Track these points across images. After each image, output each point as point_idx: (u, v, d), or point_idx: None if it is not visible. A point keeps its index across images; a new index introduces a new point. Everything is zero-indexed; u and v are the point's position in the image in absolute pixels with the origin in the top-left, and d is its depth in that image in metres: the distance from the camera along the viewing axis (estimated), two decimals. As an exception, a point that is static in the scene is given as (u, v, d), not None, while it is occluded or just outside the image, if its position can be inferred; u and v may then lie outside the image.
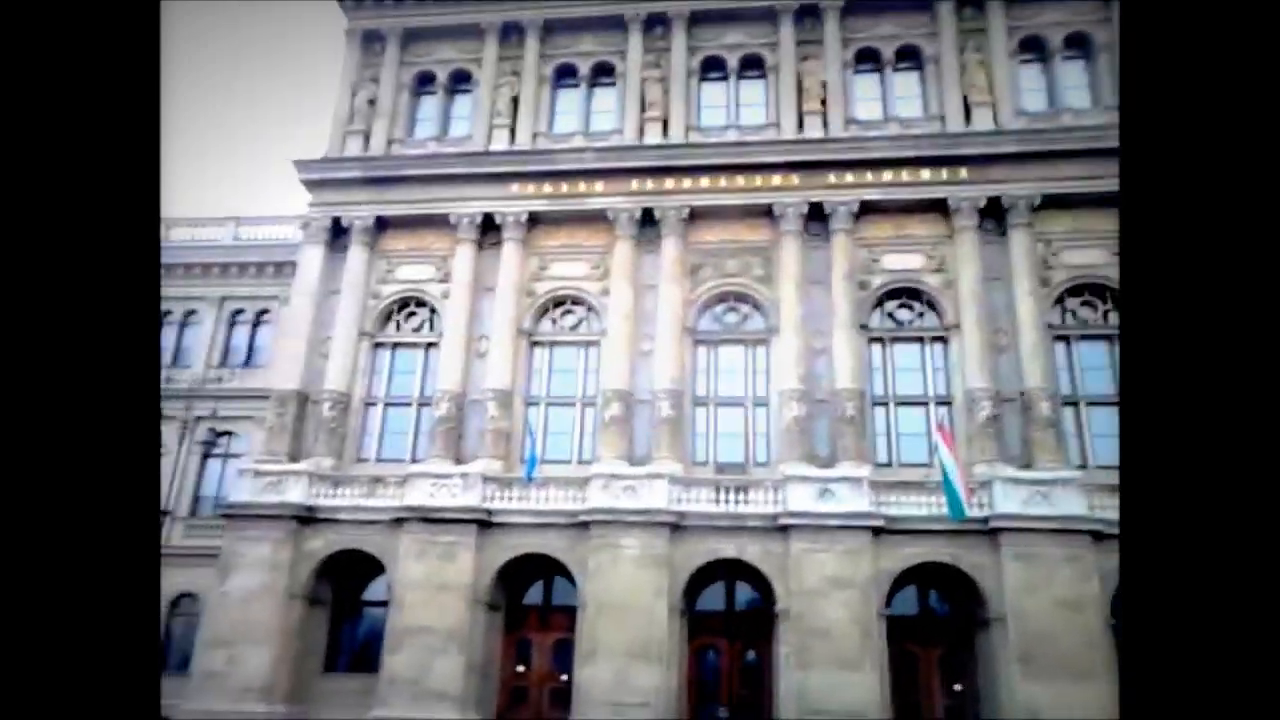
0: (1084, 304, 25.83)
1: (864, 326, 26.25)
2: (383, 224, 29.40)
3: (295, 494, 24.84)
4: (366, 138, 30.56)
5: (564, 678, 23.61)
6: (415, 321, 29.04)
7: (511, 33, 31.29)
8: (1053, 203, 25.90)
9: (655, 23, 30.45)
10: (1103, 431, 24.50)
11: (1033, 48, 28.58)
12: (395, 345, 28.86)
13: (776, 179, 27.49)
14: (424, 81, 31.78)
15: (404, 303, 29.09)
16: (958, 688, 23.17)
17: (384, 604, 24.47)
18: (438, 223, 29.06)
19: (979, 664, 22.75)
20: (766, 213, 27.46)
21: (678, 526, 23.25)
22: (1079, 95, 27.63)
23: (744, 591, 24.60)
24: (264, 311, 34.32)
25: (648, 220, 27.94)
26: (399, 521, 24.32)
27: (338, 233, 29.49)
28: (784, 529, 22.75)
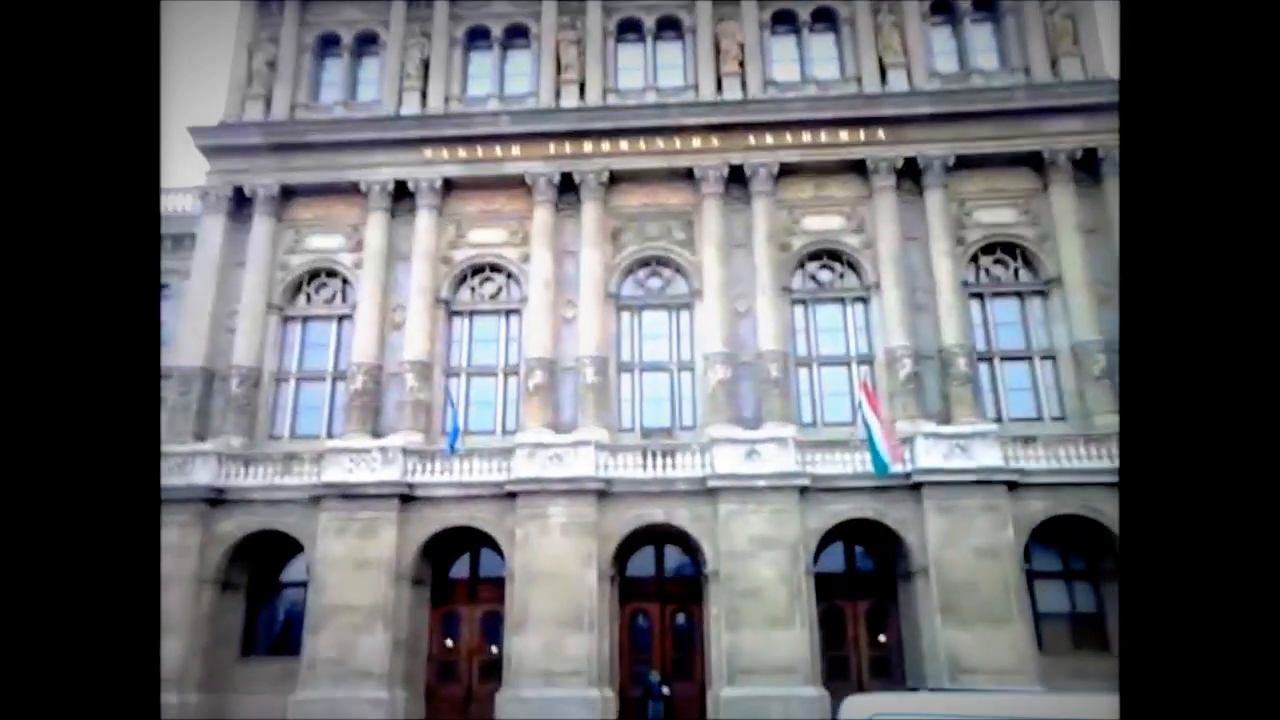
0: (996, 262, 26.44)
1: (786, 289, 26.34)
2: (289, 193, 28.09)
3: (203, 475, 23.66)
4: (268, 102, 29.10)
5: (494, 650, 23.23)
6: (327, 293, 27.91)
7: (420, -8, 30.11)
8: (965, 163, 26.37)
9: (570, -17, 29.70)
10: (1016, 385, 25.24)
11: (943, 10, 28.94)
12: (306, 318, 27.71)
13: (696, 141, 27.26)
14: (328, 43, 30.39)
15: (314, 274, 27.93)
16: (882, 639, 23.66)
17: (303, 584, 23.61)
18: (347, 190, 27.92)
19: (903, 615, 23.26)
20: (687, 175, 27.22)
21: (605, 493, 23.00)
22: (988, 57, 28.14)
23: (674, 556, 24.58)
24: (163, 287, 32.47)
25: (567, 185, 27.40)
26: (316, 499, 23.41)
27: (240, 203, 28.07)
28: (712, 491, 22.73)
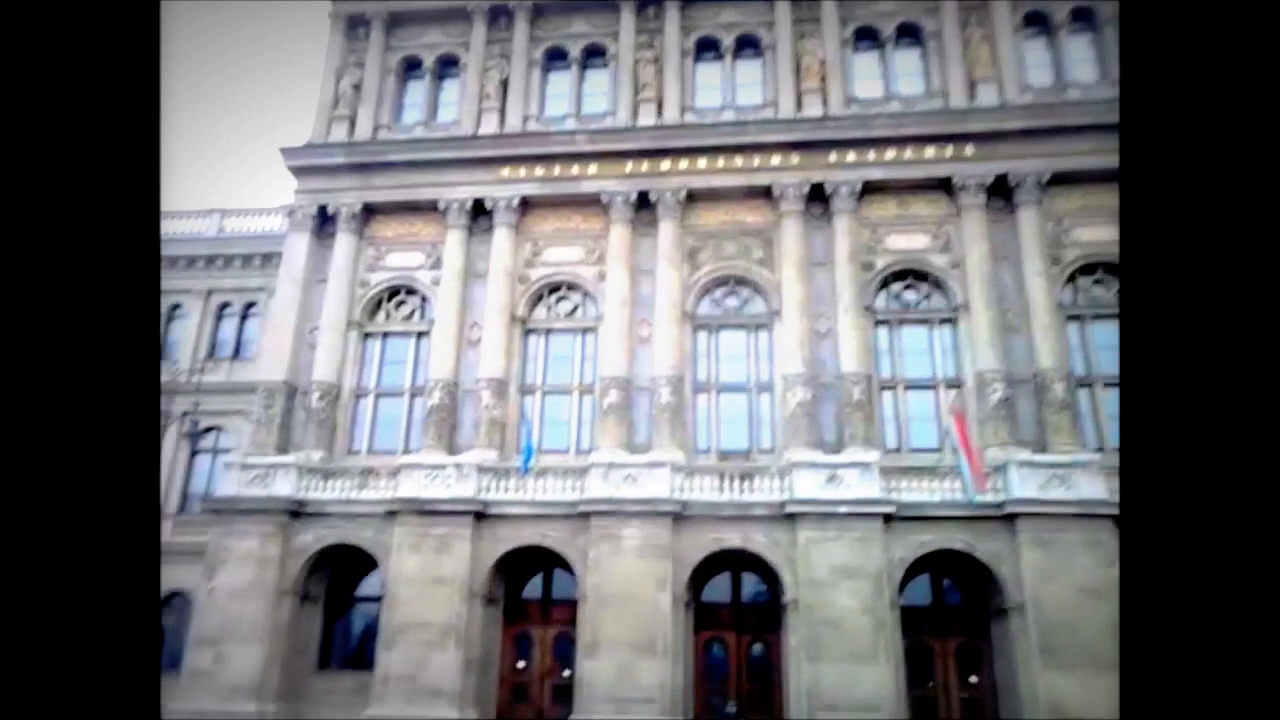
0: (1096, 283, 25.11)
1: (869, 308, 25.49)
2: (370, 211, 28.53)
3: (284, 487, 23.93)
4: (352, 123, 29.70)
5: (566, 673, 22.75)
6: (405, 310, 28.15)
7: (500, 16, 30.48)
8: (1062, 179, 25.20)
9: (647, 2, 29.66)
10: (1119, 413, 23.76)
11: (1037, 22, 27.87)
12: (385, 334, 27.96)
13: (775, 159, 26.72)
14: (410, 66, 30.93)
15: (393, 291, 28.21)
16: (974, 680, 22.38)
17: (378, 599, 23.55)
18: (426, 209, 28.21)
19: (997, 655, 21.99)
20: (766, 194, 26.69)
21: (680, 516, 22.42)
22: (1085, 69, 26.95)
23: (751, 582, 23.80)
24: (251, 304, 33.38)
25: (643, 203, 27.15)
26: (392, 514, 23.43)
27: (324, 220, 28.63)
28: (791, 517, 21.95)
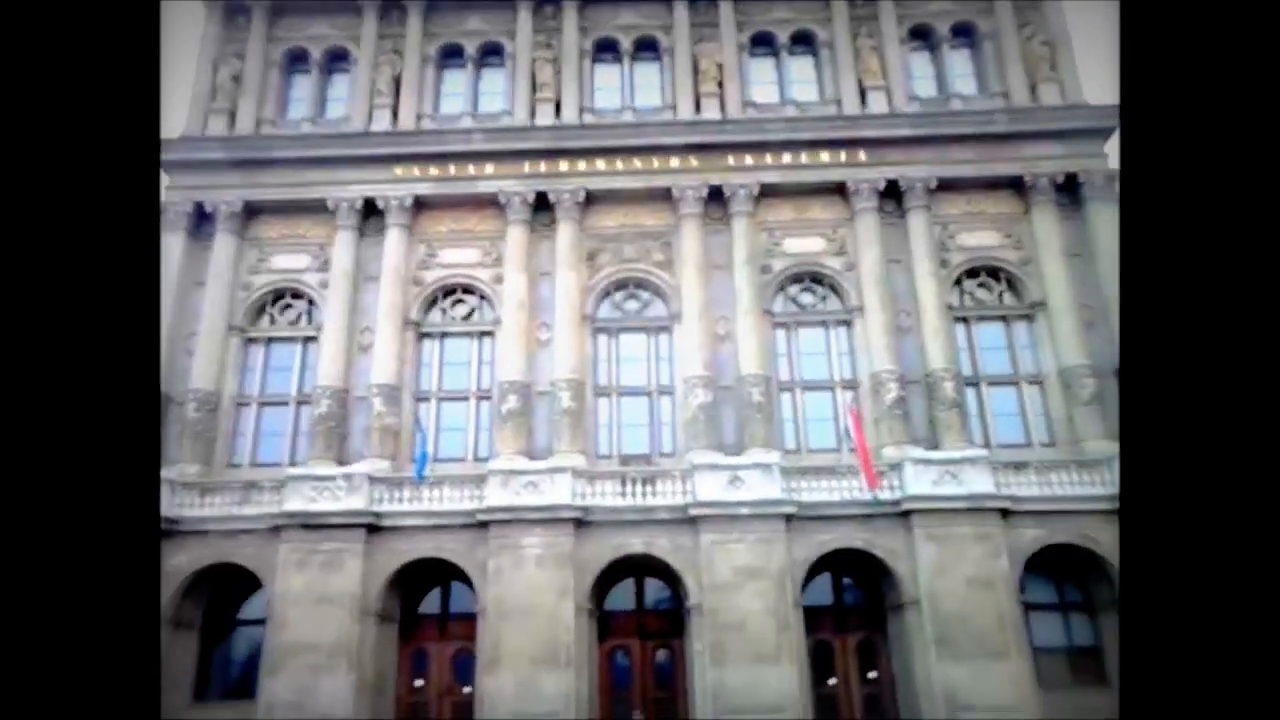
0: (980, 285, 26.05)
1: (768, 311, 25.71)
2: (253, 210, 27.00)
3: (155, 505, 22.23)
4: (232, 117, 28.10)
5: (466, 690, 21.94)
6: (291, 314, 26.75)
7: (392, 10, 29.50)
8: (947, 186, 26.08)
9: (545, 1, 29.21)
10: (1003, 411, 24.73)
11: (922, 35, 28.83)
12: (270, 340, 26.49)
13: (675, 161, 26.69)
14: (296, 59, 29.53)
15: (279, 294, 26.78)
16: (873, 675, 22.74)
17: (262, 622, 22.14)
18: (314, 208, 26.90)
19: (894, 649, 22.39)
20: (665, 196, 26.60)
21: (582, 522, 21.97)
22: (966, 82, 28.02)
23: (654, 588, 23.54)
24: (118, 310, 31.10)
25: (542, 205, 26.65)
26: (276, 530, 22.09)
27: (201, 220, 26.93)
28: (694, 520, 21.80)
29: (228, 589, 23.28)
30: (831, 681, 22.40)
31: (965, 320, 25.72)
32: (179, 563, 22.18)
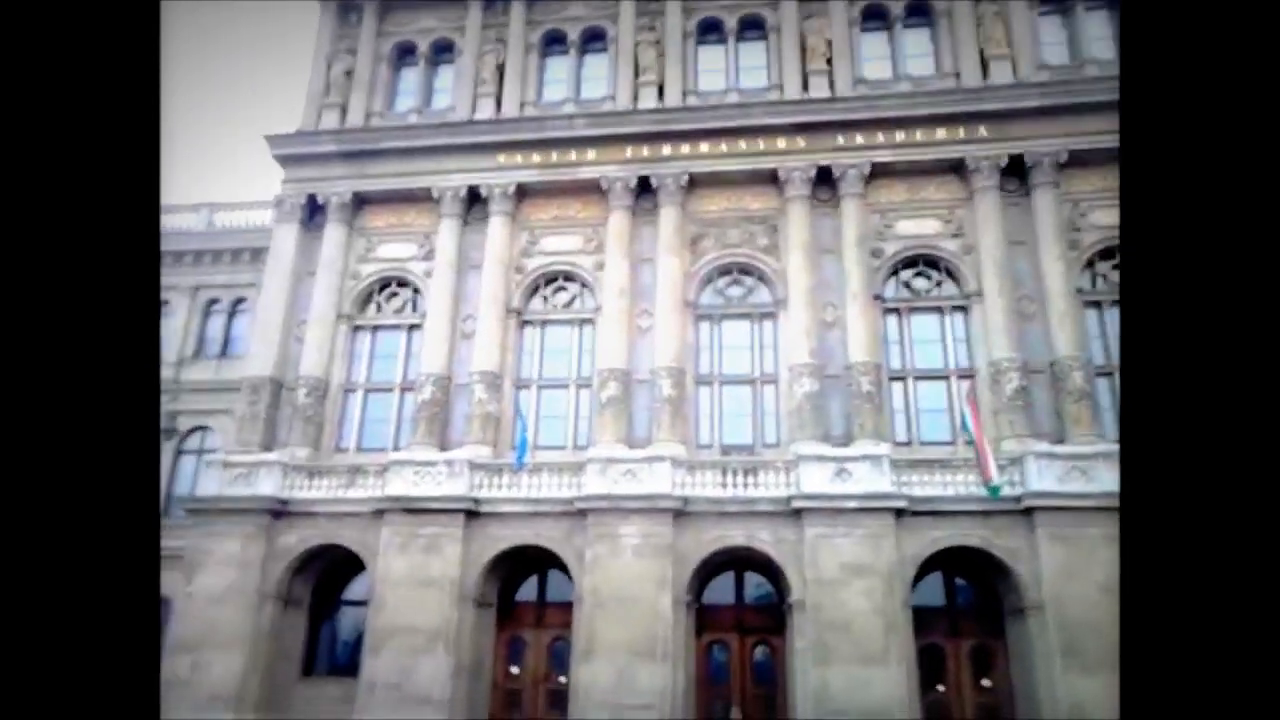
0: (1115, 267, 23.95)
1: (878, 297, 24.40)
2: (361, 200, 27.59)
3: (267, 486, 22.95)
4: (344, 111, 28.79)
5: (561, 679, 21.71)
6: (397, 302, 27.19)
7: (495, 0, 29.55)
8: (1079, 160, 24.08)
9: (648, -16, 28.68)
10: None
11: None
12: (376, 328, 26.99)
13: (781, 142, 25.69)
14: (404, 53, 30.03)
15: (385, 283, 27.25)
16: (988, 683, 21.25)
17: (365, 603, 22.54)
18: (420, 198, 27.26)
19: (1013, 657, 20.87)
20: (771, 179, 25.65)
21: (682, 513, 21.37)
22: (1103, 46, 25.79)
23: (755, 582, 22.74)
24: (240, 300, 32.54)
25: (644, 190, 26.15)
26: (379, 513, 22.44)
27: (313, 211, 27.70)
28: (797, 513, 20.87)
29: (335, 570, 23.84)
30: (942, 688, 21.03)
31: (1097, 305, 23.71)
32: (288, 542, 22.82)
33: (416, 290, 26.97)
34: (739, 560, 22.21)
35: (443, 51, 29.82)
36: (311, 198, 27.50)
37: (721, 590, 22.73)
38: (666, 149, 26.19)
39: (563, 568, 22.08)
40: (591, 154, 26.57)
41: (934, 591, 21.93)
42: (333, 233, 27.11)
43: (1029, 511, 20.17)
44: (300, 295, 26.74)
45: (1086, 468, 20.28)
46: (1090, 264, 23.92)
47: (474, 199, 27.00)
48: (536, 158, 26.85)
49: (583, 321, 25.99)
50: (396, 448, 24.58)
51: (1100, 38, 25.91)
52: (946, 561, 21.44)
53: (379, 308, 27.18)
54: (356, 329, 26.86)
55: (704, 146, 26.08)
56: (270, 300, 26.57)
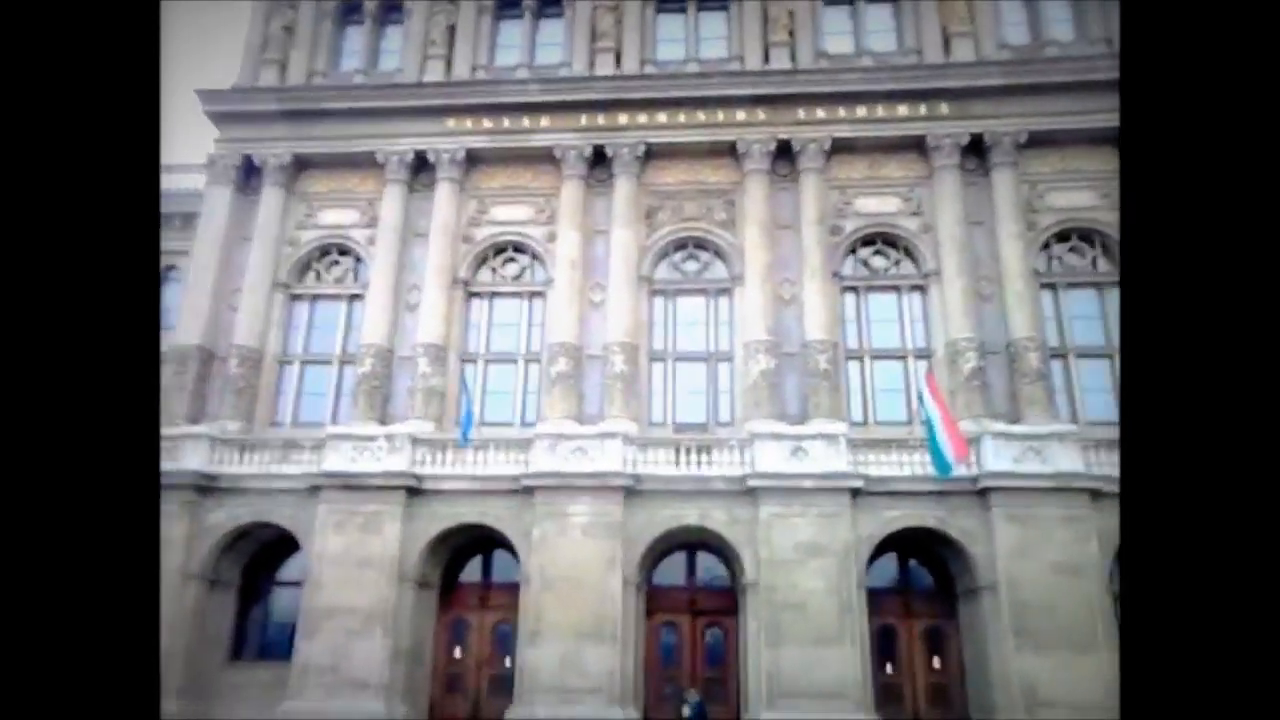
0: (1071, 250, 23.90)
1: (836, 274, 23.97)
2: (301, 163, 26.22)
3: (193, 460, 21.64)
4: (283, 68, 27.34)
5: (506, 662, 20.89)
6: (338, 271, 25.94)
7: (448, -42, 28.30)
8: (1039, 141, 23.93)
9: (607, -52, 27.72)
10: (1093, 385, 22.60)
11: (1014, -21, 26.55)
12: (315, 297, 25.72)
13: (741, 114, 25.04)
14: (350, 10, 28.61)
15: (325, 250, 25.98)
16: (940, 664, 21.05)
17: (300, 584, 21.41)
18: (364, 163, 25.99)
19: (965, 637, 20.69)
20: (730, 151, 25.02)
21: (633, 491, 20.69)
22: (1064, 28, 25.66)
23: (707, 563, 22.21)
24: (170, 268, 30.72)
25: (599, 159, 25.30)
26: (315, 490, 21.32)
27: (250, 173, 26.25)
28: (752, 492, 20.35)
29: (267, 549, 22.69)
30: (894, 669, 20.75)
31: (1053, 287, 23.62)
32: (217, 520, 21.58)
33: (359, 259, 25.75)
34: (691, 541, 21.66)
35: (391, 11, 28.47)
36: (248, 159, 26.05)
37: (673, 571, 22.16)
38: (623, 118, 25.36)
39: (509, 547, 21.26)
40: (545, 121, 25.61)
41: (888, 572, 21.69)
42: (270, 197, 25.72)
43: (984, 492, 19.96)
44: (234, 262, 25.33)
45: (1041, 448, 20.14)
46: (1047, 246, 23.80)
47: (421, 165, 25.84)
48: (487, 123, 25.79)
49: (533, 294, 25.09)
50: (335, 422, 23.44)
51: (1061, 19, 25.77)
52: (901, 543, 21.17)
53: (318, 276, 25.91)
54: (294, 298, 25.56)
55: (662, 117, 25.32)
56: (201, 266, 25.09)
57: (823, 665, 18.85)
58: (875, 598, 20.35)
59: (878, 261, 24.45)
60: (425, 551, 21.01)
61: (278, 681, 20.37)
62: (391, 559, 20.54)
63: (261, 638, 22.57)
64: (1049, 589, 19.00)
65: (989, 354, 22.44)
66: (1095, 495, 19.60)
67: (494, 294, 25.25)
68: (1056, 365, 22.84)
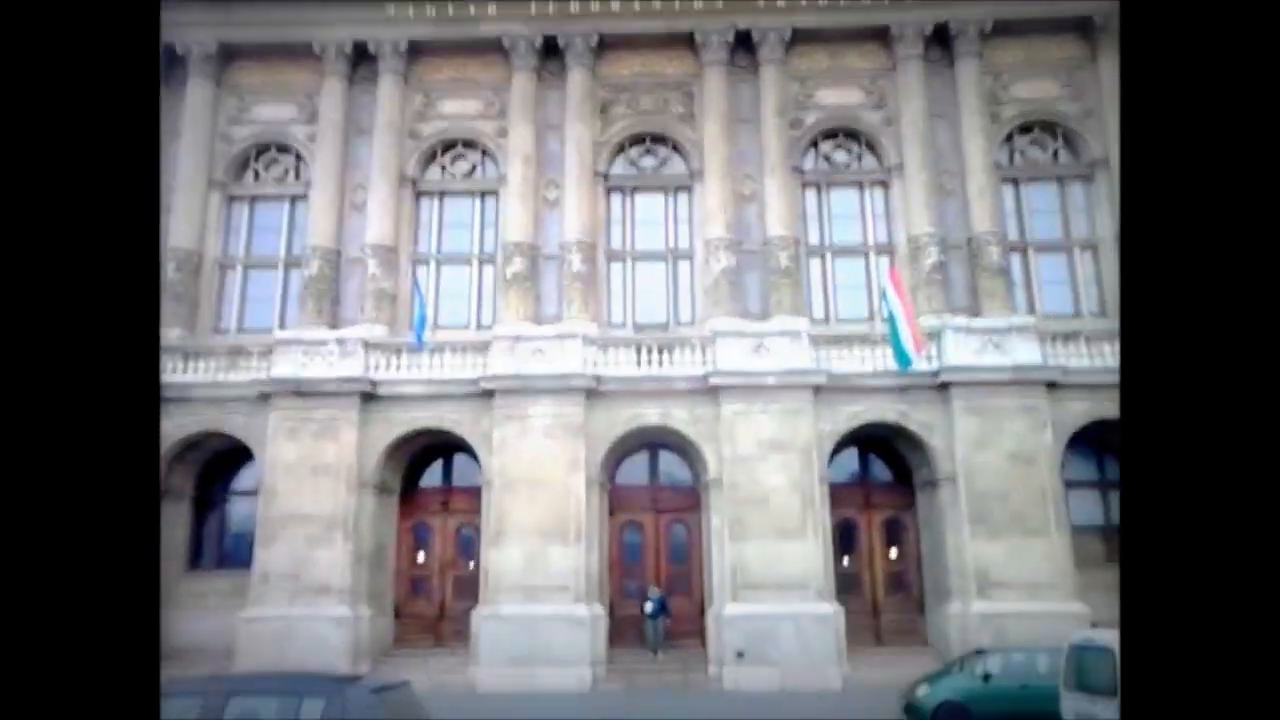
0: (1033, 143, 23.66)
1: (797, 169, 23.47)
2: (229, 53, 24.51)
3: (135, 368, 20.68)
4: (204, -53, 25.20)
5: (470, 564, 20.84)
6: (278, 170, 24.62)
7: None
8: (1003, 29, 23.34)
9: None
10: (1051, 279, 22.78)
11: None
12: (254, 198, 24.46)
13: (698, 3, 23.90)
14: (276, -116, 26.32)
15: (263, 148, 24.58)
16: (897, 554, 21.57)
17: (255, 493, 20.92)
18: (300, 53, 24.35)
19: (923, 527, 21.15)
20: (687, 42, 23.98)
21: (594, 392, 20.41)
22: (1031, -90, 24.76)
23: (669, 462, 22.20)
24: (95, 170, 28.98)
25: (551, 50, 24.07)
26: (265, 397, 20.62)
27: (172, 63, 24.42)
28: (714, 390, 20.21)
29: (219, 459, 22.08)
30: (854, 559, 21.22)
31: (1015, 181, 23.45)
32: (165, 430, 20.72)
33: (299, 157, 24.43)
34: (654, 440, 21.59)
35: (320, -114, 26.28)
36: (169, 49, 24.20)
37: (635, 471, 22.14)
38: (574, 6, 24.02)
39: (469, 451, 20.97)
40: (492, 9, 24.16)
41: (849, 468, 21.95)
42: (197, 89, 24.07)
43: (945, 385, 20.09)
44: (164, 160, 23.75)
45: (1000, 341, 20.24)
46: (1009, 139, 23.53)
47: (361, 56, 24.34)
48: (431, 11, 24.24)
49: (485, 193, 24.17)
50: (283, 327, 22.57)
51: (1029, -100, 24.81)
52: (861, 439, 21.37)
53: (257, 176, 24.57)
54: (232, 199, 24.28)
55: (615, 5, 24.06)
56: (128, 164, 23.54)
57: (785, 558, 19.13)
58: (836, 492, 20.61)
59: (839, 156, 23.96)
60: (383, 457, 20.61)
61: (237, 590, 20.09)
62: (349, 466, 20.11)
63: (219, 547, 22.18)
64: (1004, 477, 19.41)
65: (950, 249, 22.35)
66: (1051, 386, 19.88)
67: (444, 193, 24.26)
68: (1016, 259, 22.87)
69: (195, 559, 21.80)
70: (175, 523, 21.43)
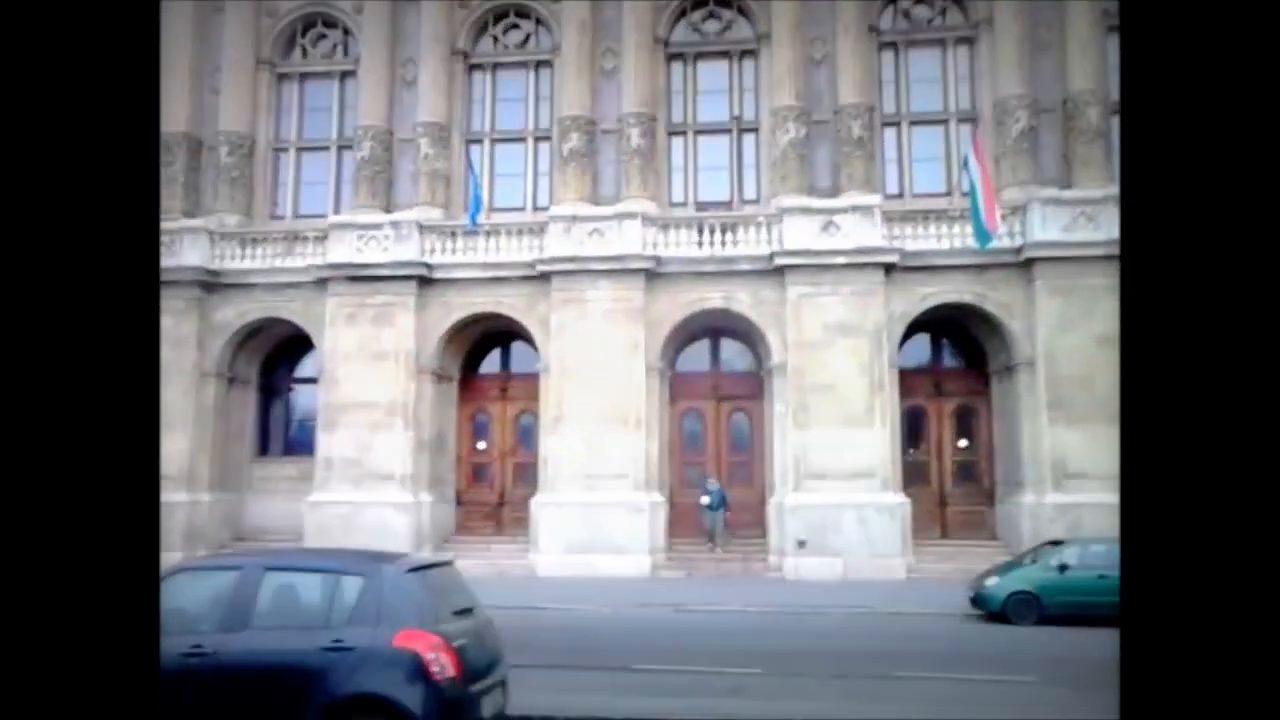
0: (1144, -11, 21.00)
1: (873, 28, 21.46)
2: (270, -81, 23.28)
3: (193, 256, 20.69)
4: None
5: (530, 452, 20.78)
6: (325, 46, 23.73)
7: None
8: None
9: None
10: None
11: None
12: (303, 76, 23.72)
13: None
14: None
15: (310, 22, 23.65)
16: (965, 443, 20.70)
17: (317, 380, 21.07)
18: (341, -83, 22.99)
19: (996, 415, 20.15)
20: (753, -114, 21.72)
21: (654, 274, 19.61)
22: None
23: (731, 348, 21.50)
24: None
25: (605, -100, 22.13)
26: (323, 283, 20.45)
27: (212, -66, 23.38)
28: (779, 271, 19.19)
29: (282, 346, 22.26)
30: (922, 447, 20.44)
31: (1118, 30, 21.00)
32: (225, 318, 20.96)
33: (346, 31, 23.44)
34: (716, 325, 20.81)
35: None
36: (208, -82, 23.12)
37: (696, 358, 21.52)
38: None
39: (526, 338, 20.58)
40: None
41: (919, 353, 20.90)
42: (239, -40, 23.05)
43: (1028, 263, 18.65)
44: (209, 37, 23.14)
45: (1094, 213, 18.57)
46: (1117, -16, 20.92)
47: (405, -82, 22.83)
48: None
49: (539, 63, 22.90)
50: (337, 212, 22.19)
51: None
52: (932, 323, 20.23)
53: (304, 52, 23.73)
54: (281, 77, 23.58)
55: None
56: (173, 42, 22.86)
57: (853, 446, 18.47)
58: (905, 378, 19.68)
59: (920, 12, 21.79)
60: (441, 343, 20.39)
61: (304, 475, 20.53)
62: (407, 352, 19.97)
63: (285, 433, 22.63)
64: (1089, 362, 18.09)
65: (1042, 112, 20.35)
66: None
67: (496, 65, 23.06)
68: (1117, 123, 20.71)
69: (263, 446, 22.31)
70: (243, 409, 21.86)
